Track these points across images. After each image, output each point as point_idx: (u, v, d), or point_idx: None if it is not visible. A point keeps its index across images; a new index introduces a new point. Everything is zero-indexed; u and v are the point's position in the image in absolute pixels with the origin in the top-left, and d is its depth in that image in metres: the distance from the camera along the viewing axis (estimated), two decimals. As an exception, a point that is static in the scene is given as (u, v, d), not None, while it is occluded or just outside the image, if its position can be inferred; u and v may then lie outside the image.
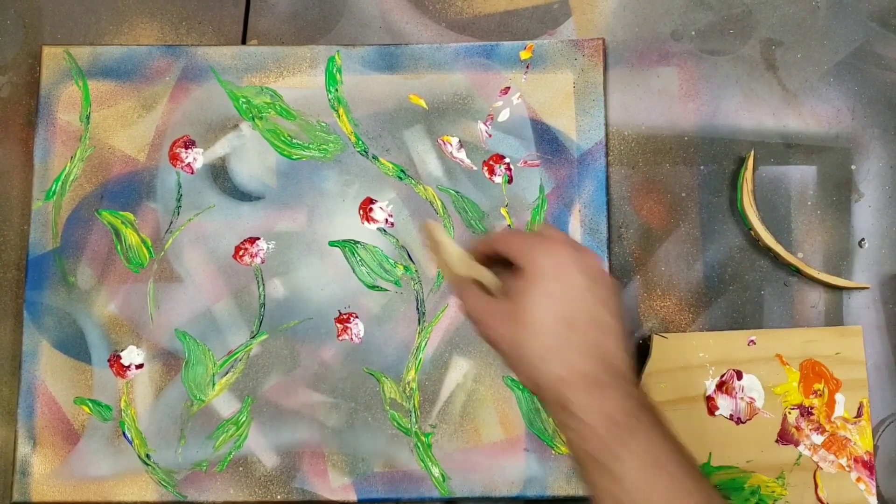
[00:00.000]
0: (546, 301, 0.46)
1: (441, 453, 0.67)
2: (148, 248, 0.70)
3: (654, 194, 0.70)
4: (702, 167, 0.71)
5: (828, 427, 0.66)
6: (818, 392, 0.66)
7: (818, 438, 0.65)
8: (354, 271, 0.69)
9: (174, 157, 0.70)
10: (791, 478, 0.65)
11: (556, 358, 0.45)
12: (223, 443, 0.67)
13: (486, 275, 0.49)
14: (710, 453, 0.65)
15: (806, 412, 0.66)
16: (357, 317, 0.69)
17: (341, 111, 0.71)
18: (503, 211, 0.69)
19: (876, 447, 0.67)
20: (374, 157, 0.70)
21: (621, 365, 0.46)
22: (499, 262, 0.49)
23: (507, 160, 0.70)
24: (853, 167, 0.71)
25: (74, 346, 0.68)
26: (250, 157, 0.70)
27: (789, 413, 0.66)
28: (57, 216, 0.70)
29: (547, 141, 0.70)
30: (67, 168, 0.70)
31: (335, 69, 0.71)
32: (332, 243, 0.69)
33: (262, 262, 0.69)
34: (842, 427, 0.66)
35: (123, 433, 0.67)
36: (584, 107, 0.70)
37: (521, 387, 0.67)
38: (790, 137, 0.71)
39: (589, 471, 0.45)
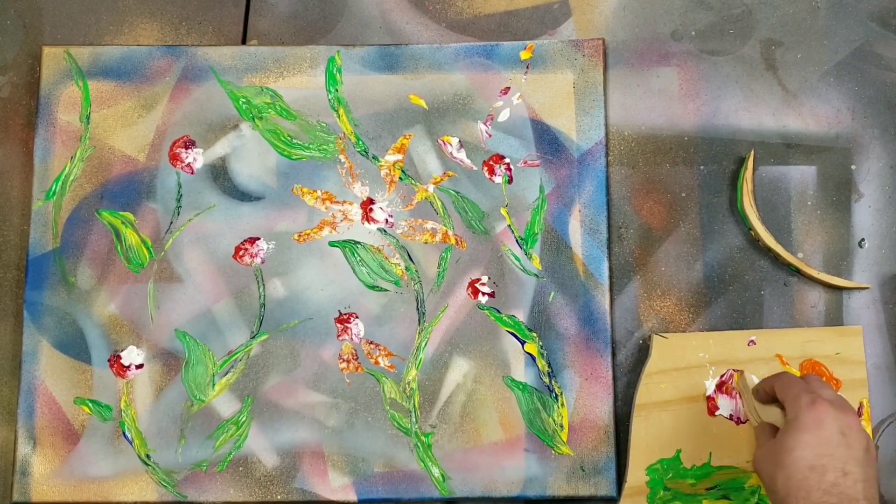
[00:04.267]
0: (799, 448, 0.54)
1: (441, 453, 0.67)
2: (148, 249, 0.70)
3: (654, 194, 0.70)
4: (702, 167, 0.71)
5: None
6: None
7: None
8: (354, 271, 0.69)
9: (174, 158, 0.70)
10: (791, 478, 0.65)
11: (799, 495, 0.53)
12: (223, 443, 0.67)
13: (776, 416, 0.59)
14: (710, 453, 0.65)
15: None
16: (357, 317, 0.69)
17: (341, 111, 0.71)
18: (503, 211, 0.69)
19: (876, 447, 0.67)
20: (374, 158, 0.70)
21: None
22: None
23: (507, 160, 0.70)
24: (853, 167, 0.71)
25: (74, 346, 0.68)
26: (250, 157, 0.70)
27: (789, 413, 0.66)
28: (57, 216, 0.70)
29: (547, 141, 0.70)
30: (67, 168, 0.70)
31: (335, 69, 0.71)
32: (332, 243, 0.69)
33: (263, 263, 0.69)
34: None
35: (123, 433, 0.67)
36: (584, 107, 0.70)
37: (520, 387, 0.67)
38: (790, 137, 0.71)
39: None
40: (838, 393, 0.58)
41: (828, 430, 0.54)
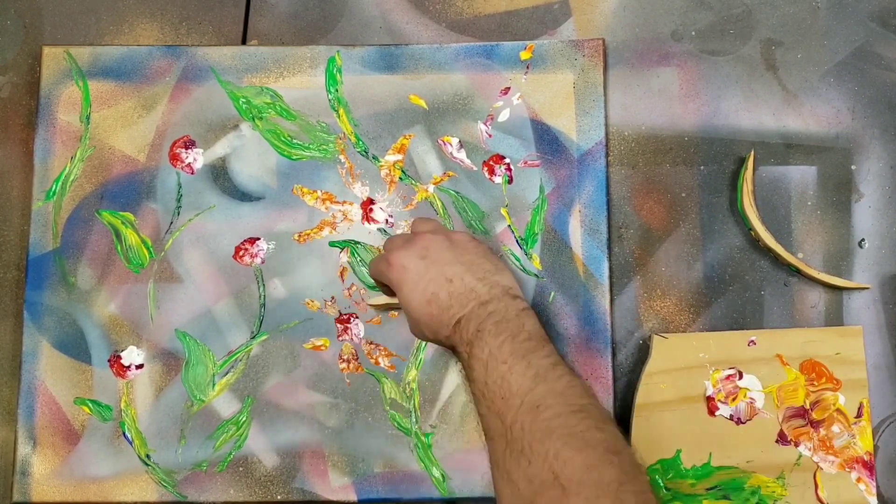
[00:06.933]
0: (407, 300, 0.58)
1: (441, 453, 0.67)
2: (148, 249, 0.70)
3: (654, 194, 0.70)
4: (702, 167, 0.71)
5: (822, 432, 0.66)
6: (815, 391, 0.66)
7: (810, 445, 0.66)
8: (354, 271, 0.69)
9: (174, 158, 0.70)
10: (791, 478, 0.65)
11: (433, 325, 0.58)
12: (223, 443, 0.67)
13: (386, 300, 0.67)
14: (710, 453, 0.65)
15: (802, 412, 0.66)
16: (357, 317, 0.69)
17: (341, 111, 0.71)
18: (503, 211, 0.69)
19: (876, 447, 0.67)
20: (375, 158, 0.70)
21: (479, 293, 0.57)
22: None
23: (507, 160, 0.70)
24: (853, 167, 0.71)
25: (74, 347, 0.68)
26: (250, 157, 0.70)
27: (789, 413, 0.66)
28: (57, 216, 0.70)
29: (547, 141, 0.70)
30: (67, 168, 0.70)
31: (335, 69, 0.71)
32: (332, 243, 0.69)
33: (263, 263, 0.69)
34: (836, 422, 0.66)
35: (123, 433, 0.67)
36: (584, 107, 0.70)
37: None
38: (790, 137, 0.71)
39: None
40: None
41: (411, 270, 0.58)
